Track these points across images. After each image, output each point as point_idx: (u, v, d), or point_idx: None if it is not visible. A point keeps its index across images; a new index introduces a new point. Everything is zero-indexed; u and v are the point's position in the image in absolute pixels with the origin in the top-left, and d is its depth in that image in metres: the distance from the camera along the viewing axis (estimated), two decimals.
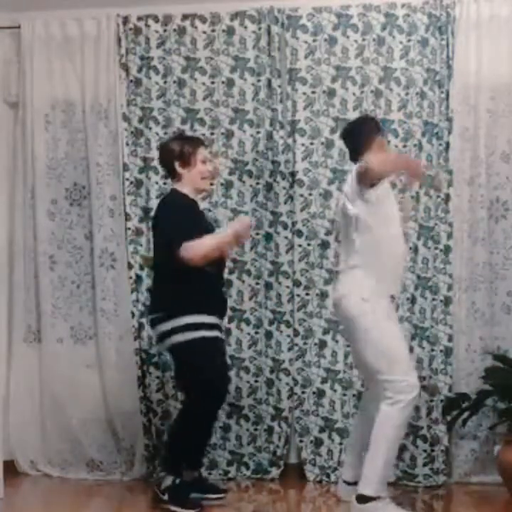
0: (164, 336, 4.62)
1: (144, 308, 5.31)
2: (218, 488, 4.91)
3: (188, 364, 4.60)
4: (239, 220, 4.93)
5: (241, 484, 5.20)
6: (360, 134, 4.59)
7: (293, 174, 5.31)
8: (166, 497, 4.58)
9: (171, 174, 4.79)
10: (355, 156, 4.59)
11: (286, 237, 5.30)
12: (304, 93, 5.30)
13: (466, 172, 5.21)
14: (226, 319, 5.23)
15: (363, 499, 4.30)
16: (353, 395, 5.23)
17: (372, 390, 4.55)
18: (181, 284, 4.55)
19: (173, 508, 4.55)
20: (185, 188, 4.73)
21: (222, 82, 5.37)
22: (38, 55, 5.46)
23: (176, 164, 4.72)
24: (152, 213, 5.33)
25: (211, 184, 5.02)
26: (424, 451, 5.16)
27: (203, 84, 5.39)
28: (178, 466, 4.65)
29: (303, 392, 5.28)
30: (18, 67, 5.50)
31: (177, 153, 4.72)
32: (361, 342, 4.39)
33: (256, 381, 5.33)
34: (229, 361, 5.28)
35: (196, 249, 4.50)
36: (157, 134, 5.40)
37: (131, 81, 5.43)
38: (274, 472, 5.30)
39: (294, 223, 5.31)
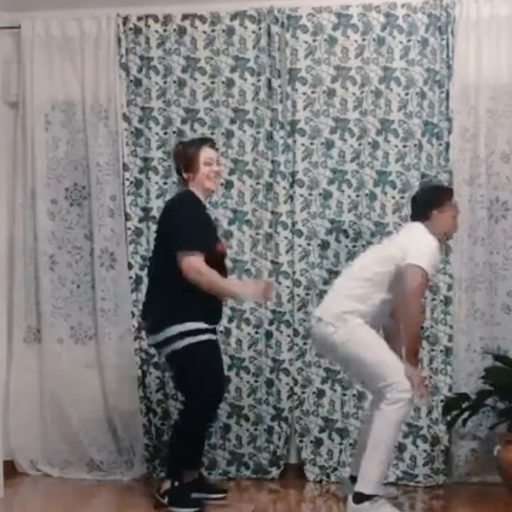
0: (157, 346, 4.68)
1: None
2: (219, 488, 4.91)
3: (184, 370, 4.60)
4: (258, 283, 4.80)
5: (241, 484, 5.20)
6: (432, 203, 4.63)
7: (293, 174, 5.31)
8: (166, 501, 4.58)
9: (181, 179, 4.76)
10: (416, 218, 4.66)
11: (286, 237, 5.30)
12: (304, 93, 5.30)
13: (466, 172, 5.21)
14: (226, 319, 5.26)
15: (359, 498, 4.32)
16: (353, 395, 5.23)
17: (376, 395, 4.57)
18: (172, 293, 4.55)
19: (173, 509, 4.54)
20: (194, 190, 4.70)
21: (222, 82, 5.37)
22: (38, 55, 5.46)
23: (182, 170, 4.71)
24: (152, 213, 5.37)
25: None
26: (424, 451, 5.16)
27: (203, 84, 5.39)
28: (178, 469, 4.63)
29: (303, 392, 5.28)
30: (18, 67, 5.50)
31: (180, 159, 4.71)
32: (349, 358, 4.48)
33: (256, 381, 5.33)
34: (229, 361, 5.29)
35: (200, 273, 4.48)
36: (157, 134, 5.40)
37: (131, 81, 5.43)
38: (274, 472, 5.30)
39: (294, 223, 5.31)
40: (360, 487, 4.33)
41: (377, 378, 4.39)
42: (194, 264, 4.49)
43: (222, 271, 4.71)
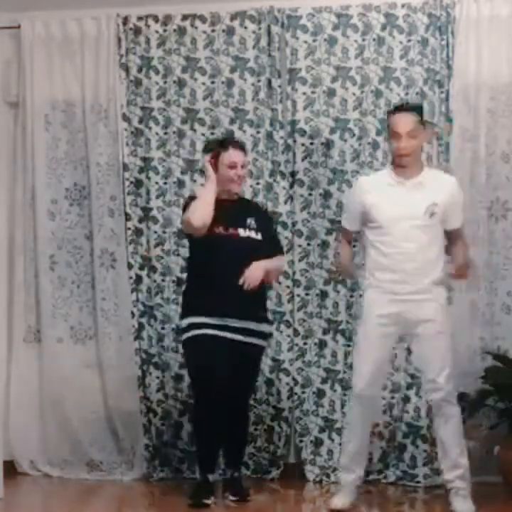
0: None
1: (143, 308, 5.34)
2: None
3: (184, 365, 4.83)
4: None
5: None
6: None
7: (293, 174, 5.31)
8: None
9: None
10: None
11: (286, 237, 5.30)
12: (304, 93, 5.30)
13: (466, 172, 5.20)
14: None
15: None
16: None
17: None
18: (186, 287, 4.79)
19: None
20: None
21: (222, 82, 5.37)
22: (38, 55, 5.47)
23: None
24: (152, 213, 5.38)
25: None
26: (424, 451, 5.15)
27: (203, 84, 5.39)
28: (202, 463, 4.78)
29: (303, 392, 5.28)
30: (18, 67, 5.50)
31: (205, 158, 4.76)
32: None
33: (256, 381, 5.32)
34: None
35: (189, 212, 4.60)
36: (157, 134, 5.40)
37: (131, 81, 5.43)
38: (274, 472, 5.30)
39: (294, 223, 5.31)
40: None
41: None
42: (185, 220, 4.65)
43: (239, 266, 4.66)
